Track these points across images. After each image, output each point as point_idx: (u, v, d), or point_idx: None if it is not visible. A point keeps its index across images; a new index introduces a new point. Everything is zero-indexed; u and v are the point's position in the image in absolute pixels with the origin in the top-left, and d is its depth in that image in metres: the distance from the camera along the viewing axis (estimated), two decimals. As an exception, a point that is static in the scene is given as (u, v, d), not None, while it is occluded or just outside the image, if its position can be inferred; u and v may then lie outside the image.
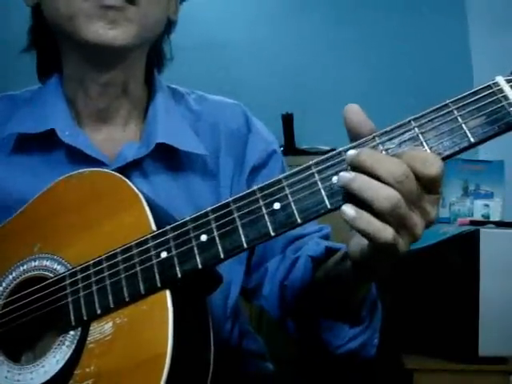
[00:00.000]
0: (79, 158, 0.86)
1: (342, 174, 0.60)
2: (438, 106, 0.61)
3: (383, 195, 0.58)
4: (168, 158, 0.90)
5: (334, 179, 0.61)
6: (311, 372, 1.58)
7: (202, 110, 0.98)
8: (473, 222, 1.83)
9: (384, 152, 0.61)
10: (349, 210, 0.59)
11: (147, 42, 0.90)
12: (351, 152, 0.60)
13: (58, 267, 0.74)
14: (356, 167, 0.60)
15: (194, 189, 0.91)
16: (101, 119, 0.91)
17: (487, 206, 1.98)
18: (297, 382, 1.54)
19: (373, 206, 0.58)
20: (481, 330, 1.63)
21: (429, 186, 0.60)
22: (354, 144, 0.62)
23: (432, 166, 0.58)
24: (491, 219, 1.95)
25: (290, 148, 2.09)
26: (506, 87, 0.60)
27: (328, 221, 0.89)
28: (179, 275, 0.65)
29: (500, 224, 1.84)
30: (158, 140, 0.88)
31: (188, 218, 0.67)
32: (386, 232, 0.59)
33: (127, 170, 0.86)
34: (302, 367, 1.57)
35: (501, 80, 0.60)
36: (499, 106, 0.60)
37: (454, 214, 1.95)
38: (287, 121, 2.13)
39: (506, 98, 0.59)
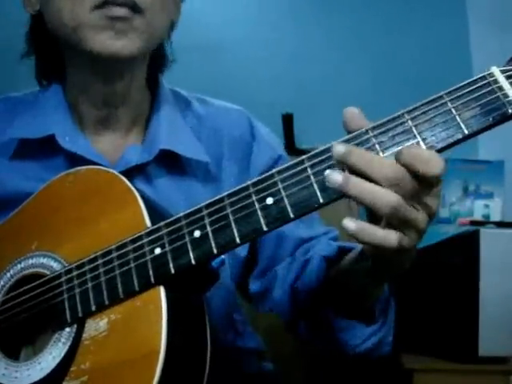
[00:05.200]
0: (79, 162, 0.85)
1: (331, 175, 0.59)
2: (431, 98, 0.61)
3: (383, 201, 0.57)
4: (170, 162, 0.90)
5: (327, 173, 0.60)
6: (310, 371, 1.58)
7: (204, 114, 0.97)
8: (473, 222, 1.82)
9: (377, 145, 0.60)
10: (350, 224, 0.59)
11: (152, 48, 0.90)
12: (339, 148, 0.59)
13: (55, 265, 0.74)
14: (348, 167, 0.59)
15: (196, 193, 0.91)
16: (103, 125, 0.91)
17: (487, 206, 1.98)
18: (295, 381, 1.54)
19: (373, 211, 0.58)
20: (481, 330, 1.62)
21: (431, 183, 0.59)
22: (347, 137, 0.61)
23: (435, 166, 0.57)
24: (491, 219, 1.95)
25: (290, 148, 2.08)
26: (500, 78, 0.59)
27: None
28: (173, 271, 0.65)
29: (500, 224, 1.84)
30: (161, 146, 0.88)
31: (182, 214, 0.67)
32: (390, 239, 0.59)
33: (130, 174, 0.86)
34: (300, 366, 1.57)
35: (495, 71, 0.60)
36: (494, 96, 0.59)
37: (454, 214, 1.94)
38: (287, 121, 2.12)
39: (500, 88, 0.59)
